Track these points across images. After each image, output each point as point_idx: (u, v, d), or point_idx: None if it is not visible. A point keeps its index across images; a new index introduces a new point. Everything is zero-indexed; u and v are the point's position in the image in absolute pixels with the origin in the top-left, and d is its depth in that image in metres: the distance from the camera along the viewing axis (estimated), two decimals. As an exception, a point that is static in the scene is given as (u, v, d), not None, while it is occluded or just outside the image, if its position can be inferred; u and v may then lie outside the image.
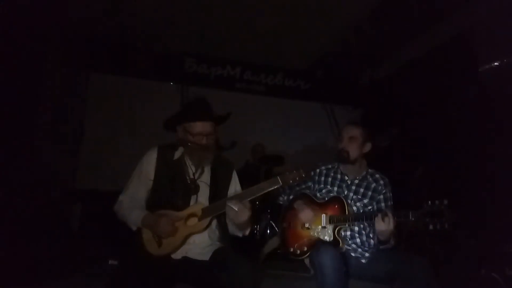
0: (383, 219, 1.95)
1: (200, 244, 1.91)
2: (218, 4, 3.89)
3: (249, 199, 1.87)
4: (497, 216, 2.85)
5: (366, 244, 2.21)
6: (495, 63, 3.01)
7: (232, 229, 2.03)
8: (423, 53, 4.19)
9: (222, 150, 2.20)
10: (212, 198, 1.99)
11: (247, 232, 2.02)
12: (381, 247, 2.11)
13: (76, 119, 4.82)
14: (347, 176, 2.35)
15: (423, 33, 4.11)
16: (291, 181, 1.86)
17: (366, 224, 2.23)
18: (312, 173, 2.43)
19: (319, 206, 2.28)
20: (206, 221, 1.88)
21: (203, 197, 1.99)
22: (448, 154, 3.59)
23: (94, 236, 3.67)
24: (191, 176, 2.01)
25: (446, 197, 1.86)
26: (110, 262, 2.53)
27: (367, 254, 2.18)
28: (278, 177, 1.85)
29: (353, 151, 2.29)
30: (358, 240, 2.21)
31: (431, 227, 1.85)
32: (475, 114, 3.33)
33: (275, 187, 1.85)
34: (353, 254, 2.18)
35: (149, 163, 2.02)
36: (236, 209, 1.79)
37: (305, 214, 2.25)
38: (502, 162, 2.95)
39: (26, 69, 3.60)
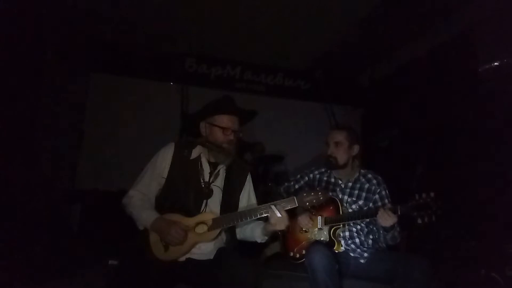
0: (383, 215, 1.96)
1: (205, 250, 1.89)
2: (218, 4, 3.89)
3: (261, 216, 1.84)
4: (497, 216, 2.85)
5: (365, 244, 2.22)
6: (495, 63, 3.01)
7: (252, 234, 1.98)
8: (423, 53, 4.19)
9: (246, 150, 2.18)
10: (224, 204, 1.96)
11: (265, 239, 1.98)
12: (388, 236, 2.08)
13: (76, 119, 4.81)
14: (341, 180, 2.35)
15: (423, 33, 4.11)
16: (307, 204, 1.82)
17: (363, 224, 2.24)
18: (307, 178, 2.44)
19: (315, 209, 2.28)
20: (216, 232, 1.84)
21: (214, 202, 1.96)
22: (448, 154, 3.59)
23: (94, 236, 3.67)
24: (206, 179, 1.97)
25: (443, 198, 1.86)
26: (110, 262, 2.53)
27: (365, 254, 2.18)
28: (295, 198, 1.83)
29: (341, 156, 2.29)
30: (357, 240, 2.22)
31: (419, 220, 1.87)
32: (475, 113, 3.32)
33: (291, 207, 1.83)
34: (352, 254, 2.19)
35: (164, 159, 1.98)
36: (280, 216, 1.78)
37: (302, 217, 2.25)
38: (502, 162, 2.95)
39: (26, 69, 3.60)
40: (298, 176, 2.52)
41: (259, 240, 1.97)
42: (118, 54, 4.94)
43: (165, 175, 1.96)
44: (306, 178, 2.43)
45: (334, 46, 4.65)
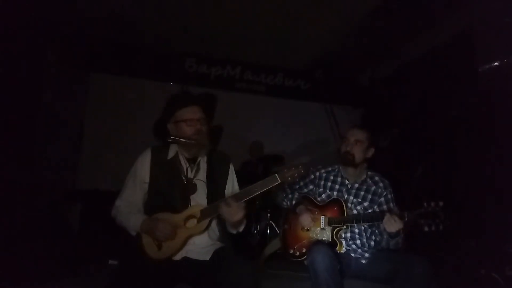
0: (389, 221, 1.96)
1: (200, 245, 1.89)
2: (218, 4, 3.89)
3: (247, 198, 1.85)
4: (497, 216, 2.85)
5: (366, 245, 2.22)
6: (495, 63, 3.01)
7: (227, 226, 2.01)
8: (423, 53, 4.19)
9: (213, 139, 2.17)
10: (210, 196, 1.97)
11: (240, 230, 2.00)
12: (391, 242, 2.08)
13: (76, 119, 4.82)
14: (348, 180, 2.34)
15: (423, 33, 4.10)
16: (289, 178, 1.83)
17: (366, 226, 2.24)
18: (312, 176, 2.43)
19: (319, 208, 2.28)
20: (205, 223, 1.86)
21: (200, 196, 1.97)
22: (448, 154, 3.59)
23: (94, 236, 3.67)
24: (187, 176, 1.98)
25: (443, 198, 1.86)
26: (110, 262, 2.53)
27: (366, 255, 2.18)
28: (276, 175, 1.83)
29: (358, 154, 2.28)
30: (358, 241, 2.22)
31: (426, 228, 1.86)
32: (475, 114, 3.33)
33: (274, 184, 1.83)
34: (353, 255, 2.19)
35: (143, 165, 1.99)
36: (229, 208, 1.78)
37: (303, 217, 2.25)
38: (502, 162, 2.95)
39: (26, 69, 3.60)
40: None
41: (234, 231, 2.00)
42: (118, 54, 4.94)
43: (147, 180, 1.98)
44: (312, 176, 2.42)
45: (334, 46, 4.65)
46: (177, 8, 3.99)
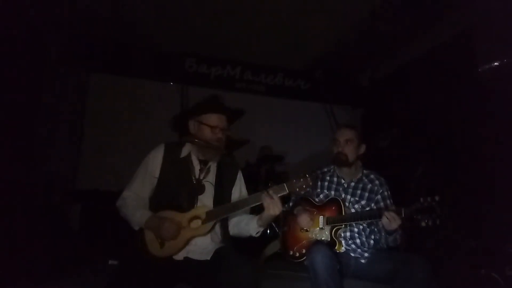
0: (388, 218, 1.96)
1: (202, 246, 1.90)
2: (218, 4, 3.89)
3: (253, 205, 1.86)
4: (497, 216, 2.85)
5: (366, 244, 2.22)
6: (495, 63, 3.00)
7: (247, 228, 1.97)
8: (423, 53, 4.19)
9: (234, 147, 2.19)
10: (217, 199, 1.98)
11: (262, 230, 1.97)
12: (389, 238, 2.10)
13: (76, 119, 4.82)
14: (344, 179, 2.35)
15: (423, 33, 4.11)
16: (297, 189, 1.83)
17: (365, 225, 2.24)
18: None
19: (317, 208, 2.29)
20: (209, 225, 1.87)
21: (207, 197, 1.98)
22: (448, 154, 3.59)
23: (94, 236, 3.67)
24: (197, 176, 2.00)
25: (444, 198, 1.86)
26: (110, 262, 2.53)
27: (366, 254, 2.18)
28: (285, 185, 1.84)
29: (351, 153, 2.30)
30: (358, 240, 2.22)
31: (423, 224, 1.87)
32: (475, 114, 3.33)
33: (281, 194, 1.84)
34: (352, 254, 2.19)
35: (155, 160, 2.02)
36: (274, 199, 1.79)
37: (301, 217, 2.25)
38: (502, 162, 2.95)
39: (26, 69, 3.60)
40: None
41: (254, 233, 1.97)
42: (118, 54, 4.93)
43: (157, 175, 2.00)
44: None
45: (334, 46, 4.65)
46: (177, 8, 3.99)
